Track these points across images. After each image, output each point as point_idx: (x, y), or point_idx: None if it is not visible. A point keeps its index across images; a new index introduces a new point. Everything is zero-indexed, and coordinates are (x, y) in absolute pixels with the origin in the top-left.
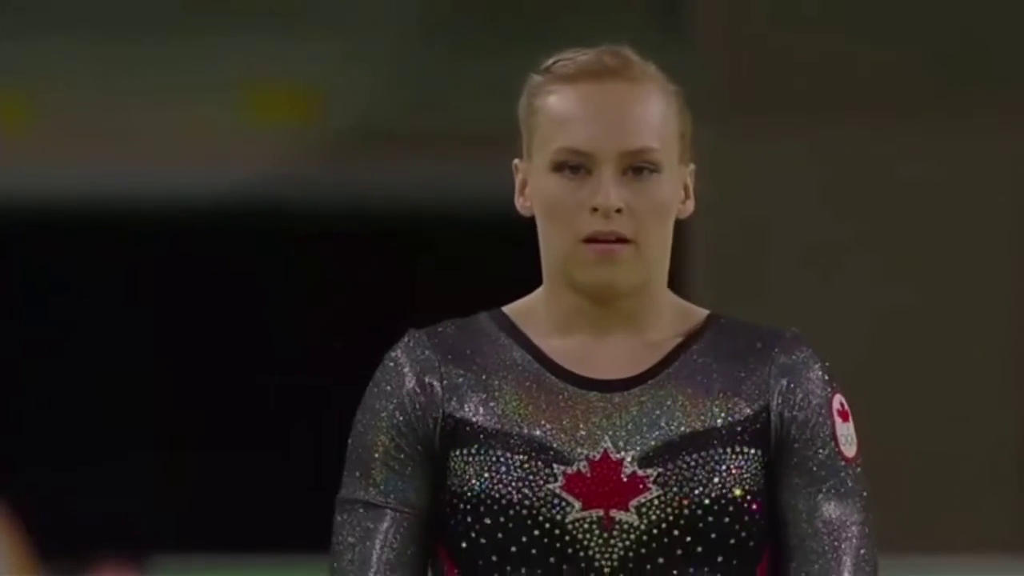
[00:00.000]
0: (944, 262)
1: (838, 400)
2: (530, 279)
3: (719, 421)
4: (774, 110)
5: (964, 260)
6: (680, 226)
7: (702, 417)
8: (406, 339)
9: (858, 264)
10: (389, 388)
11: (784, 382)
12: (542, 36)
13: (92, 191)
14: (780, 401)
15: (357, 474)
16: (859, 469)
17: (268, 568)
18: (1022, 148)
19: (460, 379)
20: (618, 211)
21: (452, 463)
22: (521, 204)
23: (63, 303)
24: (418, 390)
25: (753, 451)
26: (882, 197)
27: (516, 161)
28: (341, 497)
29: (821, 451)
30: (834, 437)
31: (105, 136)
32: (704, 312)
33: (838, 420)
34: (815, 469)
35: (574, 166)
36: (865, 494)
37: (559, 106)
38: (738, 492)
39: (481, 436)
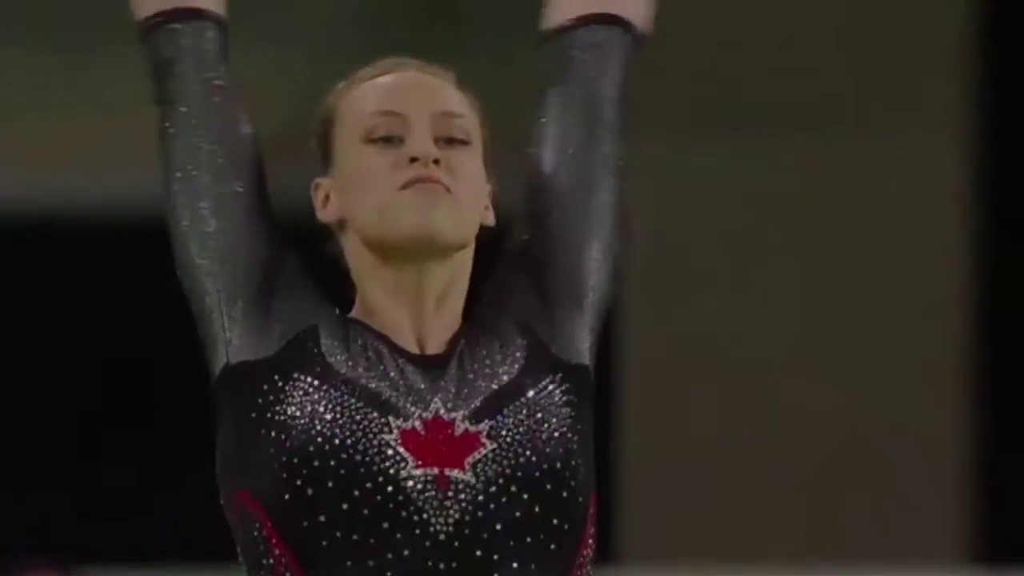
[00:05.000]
0: (877, 268)
1: None
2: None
3: (518, 364)
4: (703, 120)
5: (897, 266)
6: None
7: (507, 367)
8: None
9: (787, 270)
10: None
11: (512, 282)
12: (477, 37)
13: (11, 202)
14: (527, 279)
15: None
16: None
17: None
18: (939, 157)
19: (321, 316)
20: (436, 162)
21: (292, 389)
22: (323, 214)
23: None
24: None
25: (552, 377)
26: (808, 205)
27: (317, 180)
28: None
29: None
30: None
31: (25, 145)
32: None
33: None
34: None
35: (387, 137)
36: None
37: (363, 91)
38: (568, 433)
39: (323, 372)
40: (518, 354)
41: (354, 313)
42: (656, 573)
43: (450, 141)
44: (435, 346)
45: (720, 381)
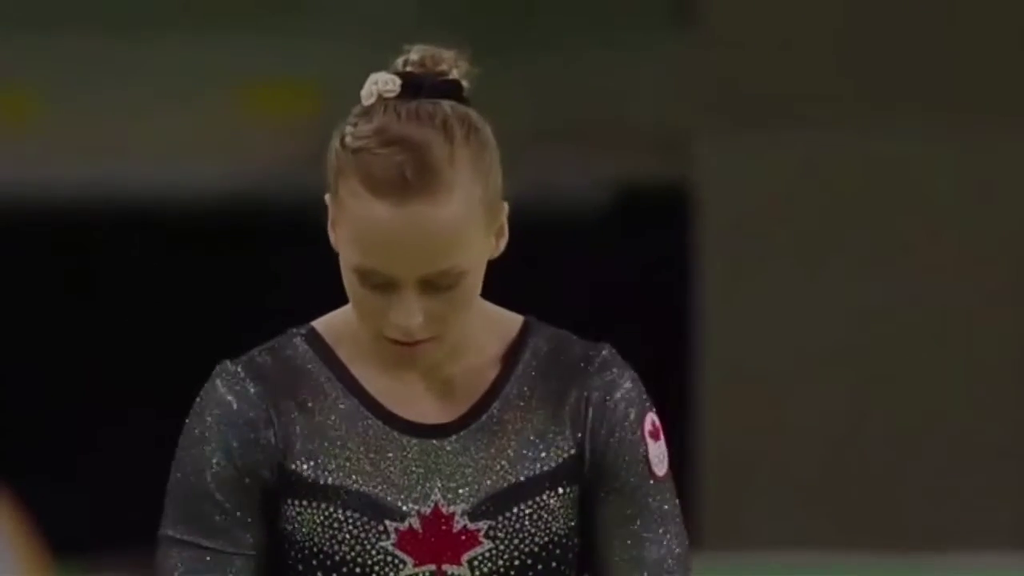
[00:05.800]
0: (939, 258)
1: (650, 420)
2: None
3: (545, 467)
4: (768, 113)
5: (960, 256)
6: (687, 220)
7: (528, 464)
8: (225, 376)
9: (849, 262)
10: (218, 431)
11: (597, 409)
12: (547, 32)
13: (94, 189)
14: (594, 428)
15: (184, 514)
16: (669, 483)
17: None
18: (1007, 152)
19: (289, 424)
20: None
21: (287, 511)
22: (332, 238)
23: (68, 300)
24: (251, 436)
25: (572, 488)
26: (869, 197)
27: (327, 196)
28: (168, 536)
29: (634, 477)
30: (647, 460)
31: (105, 134)
32: (517, 321)
33: (650, 441)
34: (630, 494)
35: (375, 284)
36: (676, 509)
37: (361, 217)
38: (563, 533)
39: (313, 491)
40: (552, 452)
41: (345, 345)
42: (733, 559)
43: (442, 284)
44: (443, 411)
45: (792, 379)
